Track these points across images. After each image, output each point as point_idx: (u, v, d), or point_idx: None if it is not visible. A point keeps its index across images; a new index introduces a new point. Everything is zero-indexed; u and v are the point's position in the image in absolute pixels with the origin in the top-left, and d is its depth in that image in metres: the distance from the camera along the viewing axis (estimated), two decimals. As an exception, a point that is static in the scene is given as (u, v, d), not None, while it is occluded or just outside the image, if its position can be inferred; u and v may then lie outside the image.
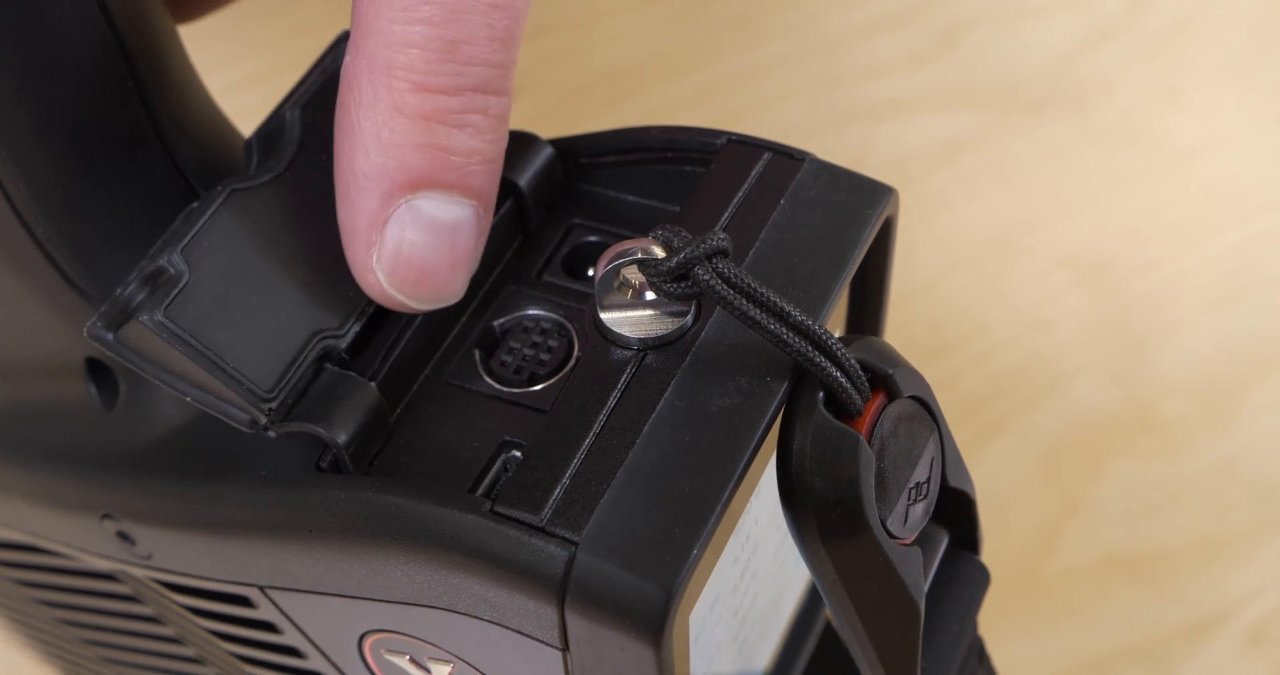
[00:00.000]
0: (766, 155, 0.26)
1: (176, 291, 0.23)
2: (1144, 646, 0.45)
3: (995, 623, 0.43)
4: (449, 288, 0.24)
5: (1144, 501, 0.48)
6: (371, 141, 0.23)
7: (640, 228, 0.27)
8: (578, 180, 0.28)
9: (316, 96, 0.25)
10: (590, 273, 0.27)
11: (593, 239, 0.27)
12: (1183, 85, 0.57)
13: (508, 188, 0.27)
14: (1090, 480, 0.48)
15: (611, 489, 0.22)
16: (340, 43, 0.27)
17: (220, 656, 0.30)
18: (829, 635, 0.34)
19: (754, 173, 0.26)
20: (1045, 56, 0.58)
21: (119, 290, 0.23)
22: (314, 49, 0.27)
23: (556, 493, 0.22)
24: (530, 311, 0.26)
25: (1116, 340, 0.51)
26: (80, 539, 0.29)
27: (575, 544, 0.22)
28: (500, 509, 0.22)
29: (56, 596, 0.34)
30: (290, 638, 0.27)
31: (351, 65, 0.23)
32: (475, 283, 0.26)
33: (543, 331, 0.26)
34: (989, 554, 0.30)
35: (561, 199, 0.28)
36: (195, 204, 0.24)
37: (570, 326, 0.26)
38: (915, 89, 0.58)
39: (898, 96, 0.57)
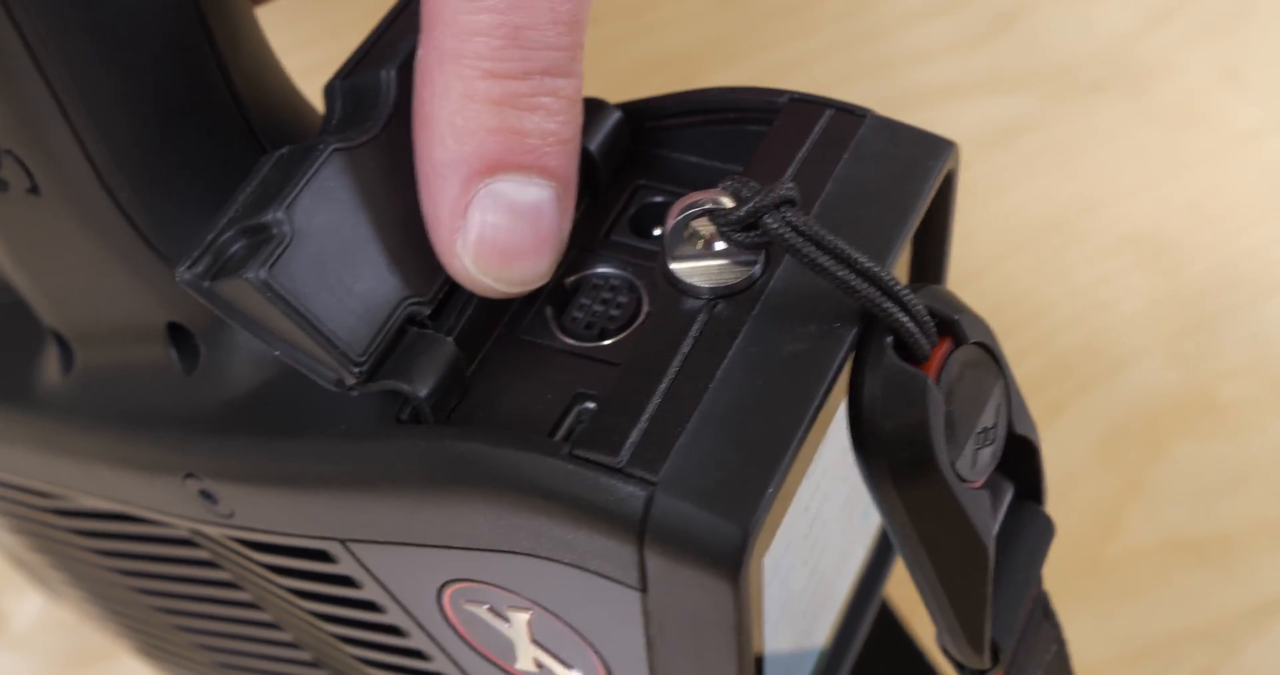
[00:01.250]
0: (828, 112, 0.26)
1: (281, 251, 0.23)
2: (1207, 629, 0.45)
3: (1057, 603, 0.43)
4: (536, 269, 0.25)
5: (1207, 483, 0.48)
6: (447, 130, 0.23)
7: (704, 187, 0.27)
8: (642, 143, 0.28)
9: (412, 58, 0.25)
10: (656, 232, 0.27)
11: (658, 199, 0.28)
12: (1243, 65, 0.57)
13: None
14: (1152, 462, 0.48)
15: (687, 431, 0.23)
16: None
17: (298, 618, 0.31)
18: (883, 620, 0.35)
19: (816, 129, 0.26)
20: (1103, 37, 0.58)
21: (211, 237, 0.24)
22: None
23: (633, 435, 0.23)
24: (599, 269, 0.27)
25: (1178, 321, 0.51)
26: (162, 501, 0.30)
27: (653, 484, 0.22)
28: (579, 451, 0.23)
29: (134, 565, 0.34)
30: (370, 592, 0.28)
31: (423, 57, 0.24)
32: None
33: (612, 288, 0.26)
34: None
35: (627, 161, 0.28)
36: (281, 152, 0.25)
37: (638, 283, 0.26)
38: (970, 72, 0.58)
39: (952, 80, 0.58)
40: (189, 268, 0.24)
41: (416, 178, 0.25)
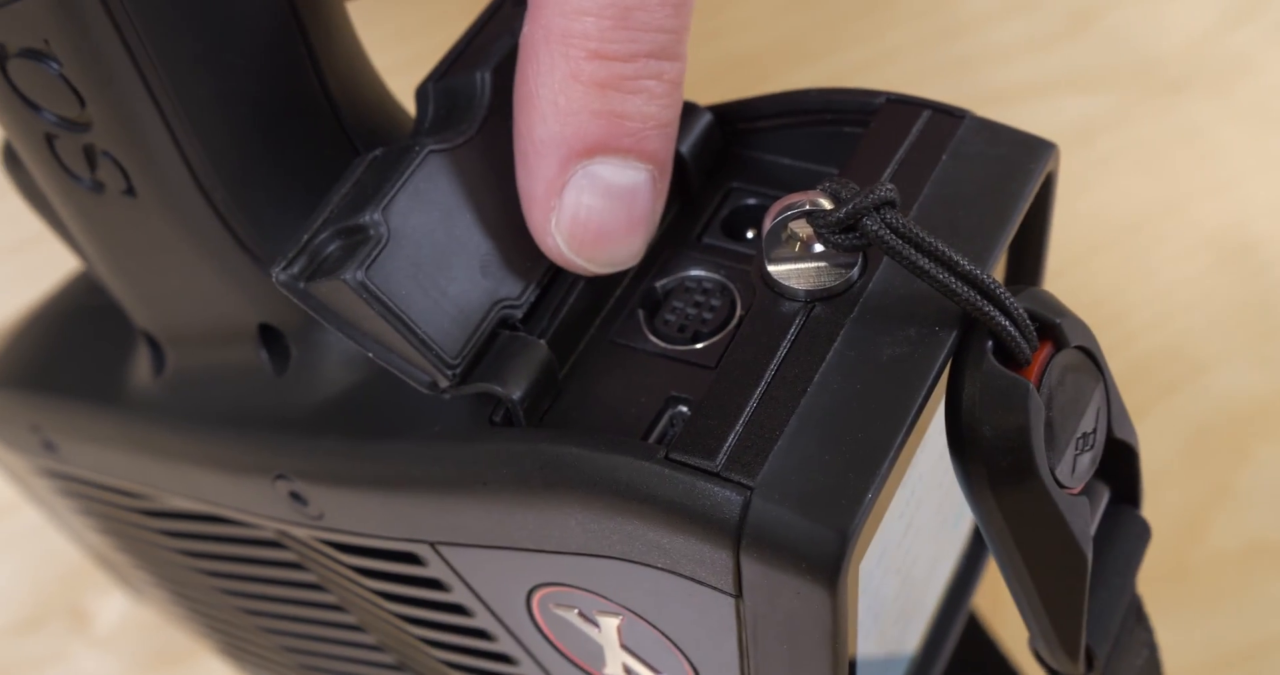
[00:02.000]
0: (926, 113, 0.26)
1: (378, 252, 0.23)
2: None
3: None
4: (627, 251, 0.25)
5: (1292, 488, 0.47)
6: (549, 109, 0.23)
7: (799, 189, 0.27)
8: (735, 145, 0.28)
9: (507, 61, 0.25)
10: (750, 234, 0.27)
11: (752, 201, 0.27)
12: (1325, 64, 0.56)
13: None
14: (1237, 466, 0.48)
15: (785, 435, 0.22)
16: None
17: (384, 620, 0.31)
18: (971, 630, 0.34)
19: (914, 130, 0.26)
20: (1183, 35, 0.58)
21: (307, 237, 0.24)
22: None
23: (730, 439, 0.22)
24: (692, 272, 0.26)
25: (1261, 324, 0.50)
26: (251, 502, 0.30)
27: (750, 488, 0.22)
28: (675, 455, 0.22)
29: (219, 566, 0.35)
30: (458, 595, 0.28)
31: (529, 34, 0.24)
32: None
33: (705, 291, 0.26)
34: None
35: (720, 163, 0.28)
36: (375, 154, 0.25)
37: (731, 286, 0.26)
38: (1049, 71, 0.57)
39: (1031, 79, 0.57)
40: (284, 268, 0.24)
41: (515, 155, 0.25)
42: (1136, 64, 0.57)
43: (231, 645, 0.40)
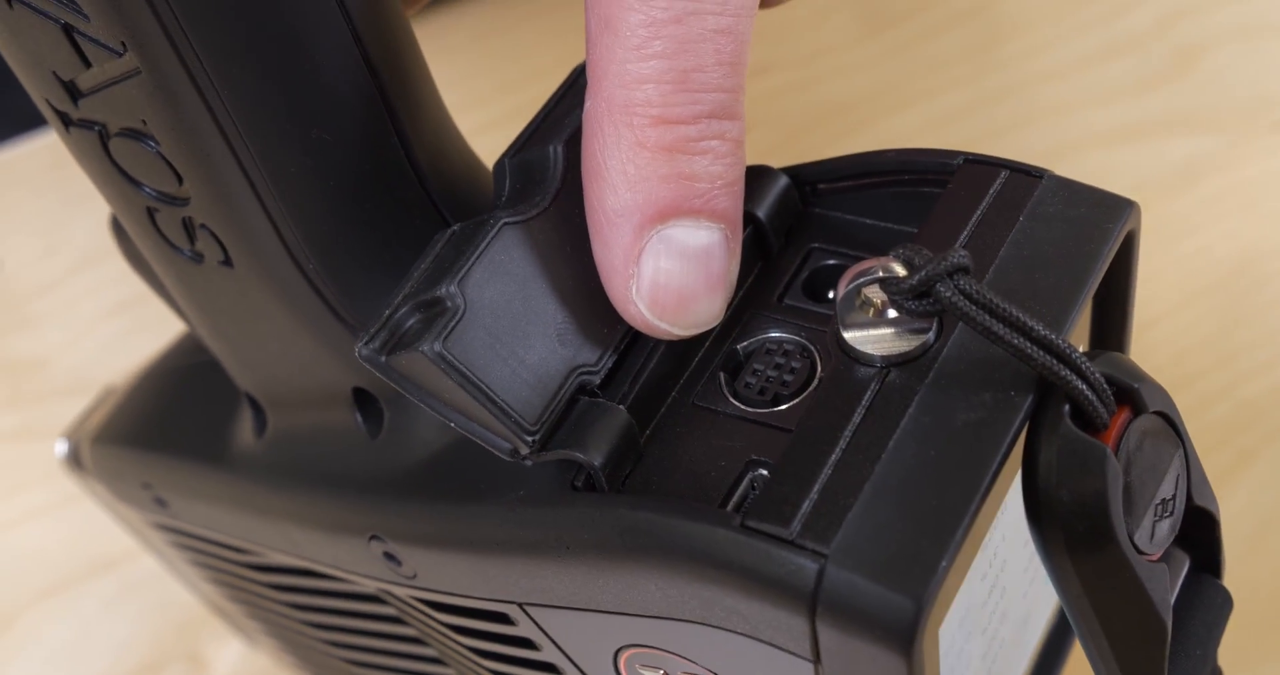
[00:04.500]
0: (1004, 173, 0.26)
1: (454, 323, 0.24)
2: None
3: (1247, 656, 0.41)
4: (708, 312, 0.25)
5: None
6: (619, 179, 0.24)
7: (879, 249, 0.27)
8: (814, 205, 0.28)
9: (578, 133, 0.26)
10: (830, 295, 0.27)
11: (832, 262, 0.28)
12: None
13: (746, 218, 0.27)
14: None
15: (859, 502, 0.22)
16: (581, 73, 0.28)
17: (477, 673, 0.32)
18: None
19: (991, 191, 0.26)
20: (1288, 75, 0.57)
21: (388, 313, 0.25)
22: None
23: (805, 506, 0.23)
24: (773, 334, 0.27)
25: (1371, 365, 0.49)
26: (348, 560, 0.30)
27: (825, 556, 0.22)
28: (750, 523, 0.23)
29: (324, 619, 0.36)
30: (548, 654, 0.28)
31: (592, 108, 0.24)
32: (718, 308, 0.27)
33: (785, 353, 0.26)
34: (1241, 585, 0.29)
35: (799, 224, 0.28)
36: (454, 228, 0.25)
37: (813, 348, 0.26)
38: (1151, 112, 0.57)
39: (1133, 121, 0.56)
40: (366, 343, 0.25)
41: (589, 228, 0.25)
42: (1241, 104, 0.56)
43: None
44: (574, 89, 0.27)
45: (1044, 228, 0.25)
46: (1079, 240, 0.25)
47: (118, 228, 0.32)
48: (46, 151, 0.59)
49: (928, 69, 0.59)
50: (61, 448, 0.40)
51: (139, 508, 0.37)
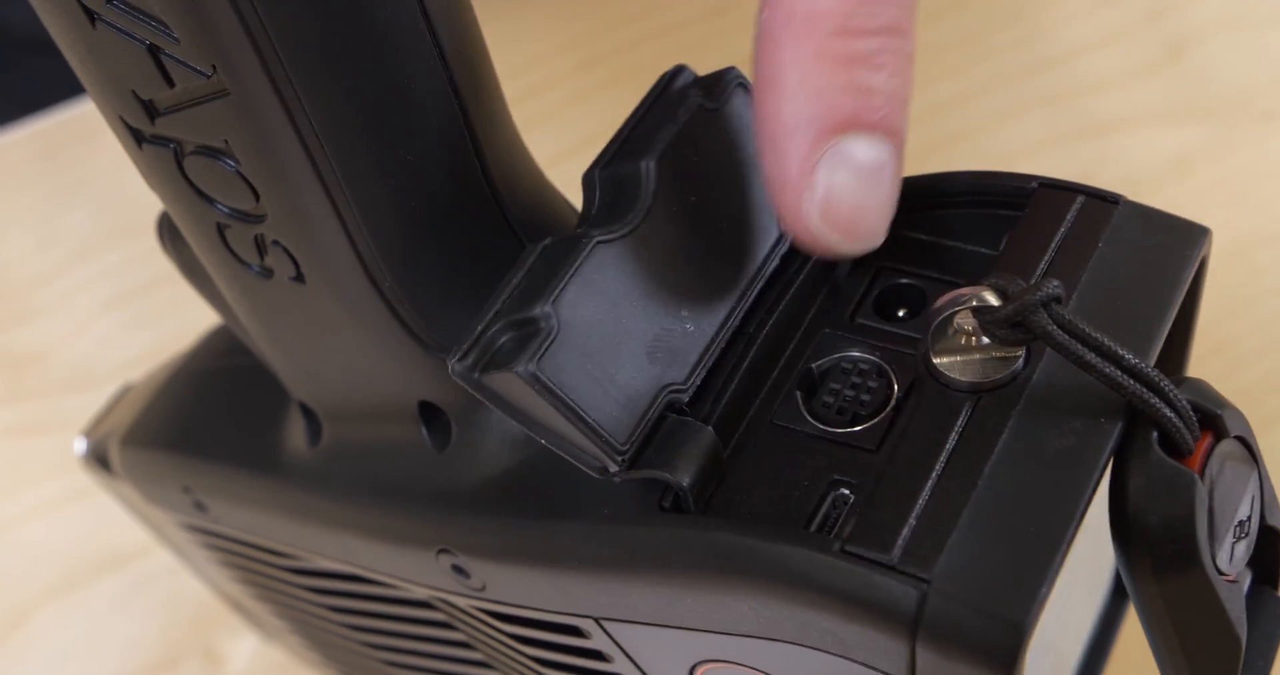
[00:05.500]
0: (1080, 199, 0.26)
1: (548, 344, 0.24)
2: None
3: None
4: (878, 229, 0.25)
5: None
6: (798, 89, 0.24)
7: (947, 269, 0.28)
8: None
9: (672, 149, 0.26)
10: (900, 314, 0.28)
11: (902, 281, 0.28)
12: None
13: None
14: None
15: (958, 529, 0.23)
16: (673, 78, 0.28)
17: (534, 681, 0.32)
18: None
19: (1069, 217, 0.26)
20: (1274, 67, 0.58)
21: (480, 329, 0.25)
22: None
23: (904, 532, 0.23)
24: (849, 353, 0.27)
25: (1362, 353, 0.51)
26: (409, 571, 0.31)
27: (927, 582, 0.23)
28: (851, 548, 0.23)
29: (365, 622, 0.36)
30: (619, 666, 0.29)
31: (769, 20, 0.24)
32: (789, 326, 0.28)
33: (861, 373, 0.27)
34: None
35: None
36: (545, 244, 0.25)
37: (888, 367, 0.27)
38: (1142, 103, 0.57)
39: (1125, 111, 0.57)
40: (459, 360, 0.25)
41: (758, 141, 0.25)
42: (1229, 95, 0.57)
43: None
44: (662, 99, 0.27)
45: (1123, 254, 0.26)
46: (1158, 267, 0.26)
47: (171, 235, 0.31)
48: (35, 141, 0.58)
49: (921, 57, 0.59)
50: (80, 446, 0.40)
51: (173, 510, 0.37)
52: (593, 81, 0.58)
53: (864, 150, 0.24)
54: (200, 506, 0.35)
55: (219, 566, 0.39)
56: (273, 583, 0.37)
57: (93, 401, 0.47)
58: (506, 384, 0.25)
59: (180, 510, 0.36)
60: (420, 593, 0.32)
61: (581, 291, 0.25)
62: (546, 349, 0.24)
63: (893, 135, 0.25)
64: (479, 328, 0.25)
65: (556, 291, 0.25)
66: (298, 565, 0.35)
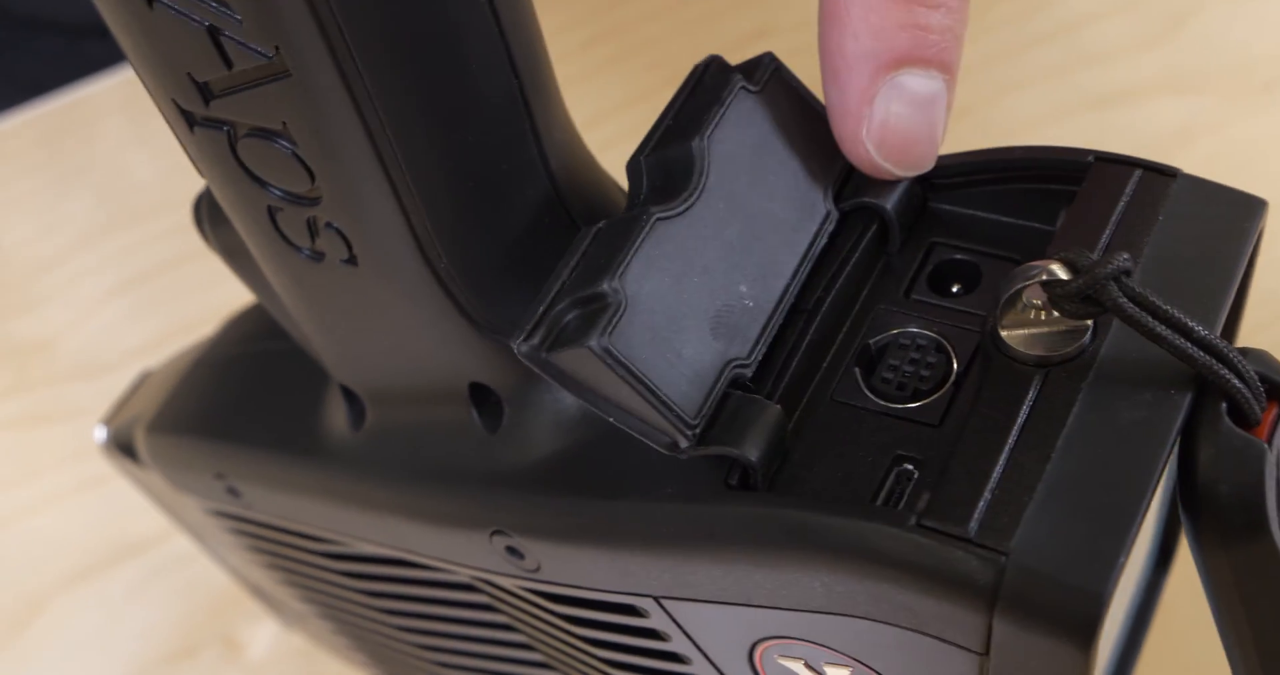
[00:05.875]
0: (1137, 173, 0.27)
1: (618, 319, 0.24)
2: None
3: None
4: (928, 156, 0.27)
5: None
6: (860, 26, 0.25)
7: (1000, 244, 0.28)
8: (935, 200, 0.28)
9: (719, 129, 0.26)
10: (954, 289, 0.28)
11: (957, 257, 0.28)
12: None
13: (872, 212, 0.28)
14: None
15: (1034, 501, 0.23)
16: (708, 67, 0.28)
17: (584, 662, 0.32)
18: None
19: (1127, 191, 0.26)
20: (1275, 37, 0.58)
21: (542, 309, 0.24)
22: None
23: (980, 506, 0.23)
24: (908, 328, 0.27)
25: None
26: (459, 554, 0.30)
27: (1005, 555, 0.23)
28: (927, 522, 0.23)
29: (403, 605, 0.35)
30: (677, 645, 0.29)
31: None
32: (845, 302, 0.28)
33: (919, 348, 0.27)
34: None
35: (920, 219, 0.28)
36: (599, 226, 0.25)
37: (946, 342, 0.27)
38: (1145, 74, 0.58)
39: (1127, 83, 0.57)
40: (525, 340, 0.24)
41: (823, 71, 0.27)
42: (1230, 65, 0.57)
43: (395, 674, 0.40)
44: (700, 87, 0.27)
45: (1183, 228, 0.26)
46: (1219, 240, 0.26)
47: (211, 218, 0.31)
48: (34, 127, 0.57)
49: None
50: (101, 434, 0.40)
51: (202, 497, 0.37)
52: (598, 59, 0.58)
53: (919, 84, 0.26)
54: (234, 492, 0.35)
55: (246, 552, 0.39)
56: (304, 568, 0.37)
57: (100, 389, 0.47)
58: (576, 360, 0.24)
59: (211, 497, 0.36)
60: (464, 575, 0.32)
61: (645, 267, 0.25)
62: (617, 323, 0.24)
63: (946, 69, 0.26)
64: (542, 307, 0.25)
65: (622, 267, 0.25)
66: (334, 550, 0.35)
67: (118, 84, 0.55)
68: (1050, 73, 0.58)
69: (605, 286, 0.24)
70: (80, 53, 0.55)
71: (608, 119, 0.55)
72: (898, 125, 0.26)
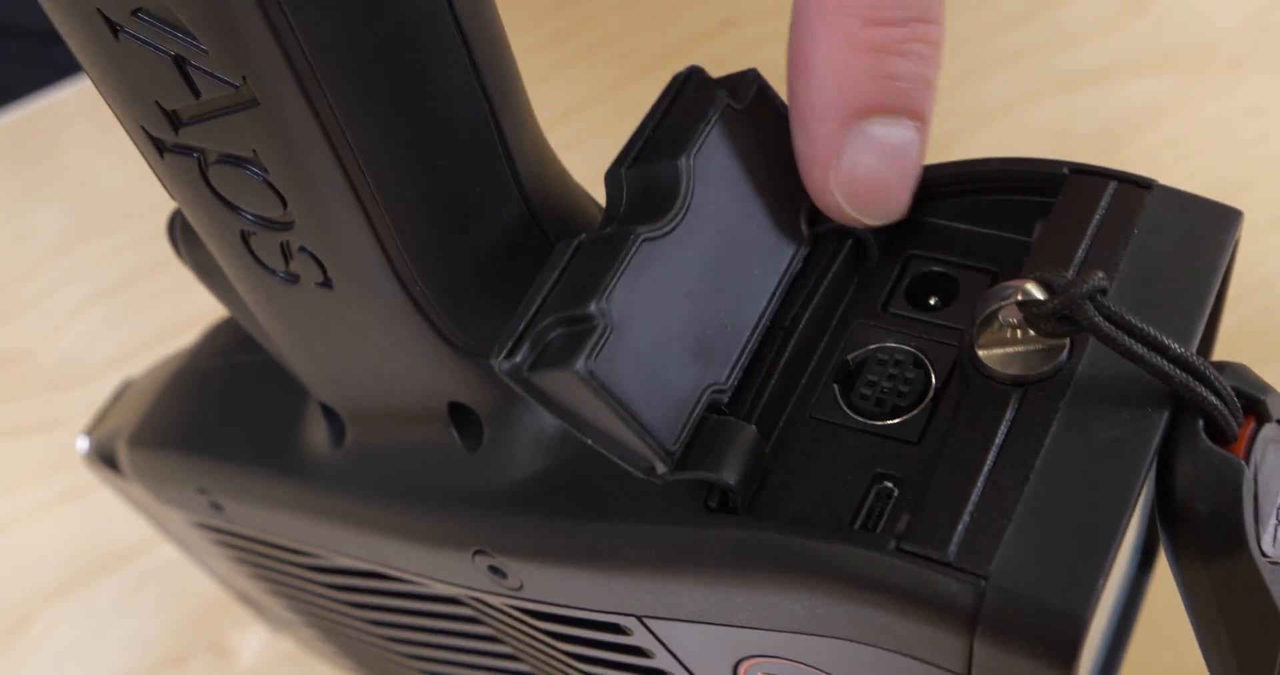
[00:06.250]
0: (1112, 185, 0.27)
1: (603, 342, 0.24)
2: None
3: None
4: (899, 204, 0.27)
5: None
6: (827, 75, 0.25)
7: (977, 256, 0.28)
8: (910, 212, 0.28)
9: (706, 148, 0.26)
10: (932, 302, 0.28)
11: (934, 269, 0.28)
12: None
13: (847, 232, 0.28)
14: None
15: (1013, 523, 0.23)
16: (688, 79, 0.27)
17: (564, 673, 0.32)
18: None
19: (1102, 204, 0.26)
20: (1237, 14, 0.58)
21: (522, 327, 0.24)
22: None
23: (959, 529, 0.23)
24: (886, 343, 0.27)
25: (1337, 298, 0.51)
26: (441, 572, 0.30)
27: (985, 578, 0.23)
28: (907, 546, 0.23)
29: (387, 617, 0.36)
30: (660, 661, 0.29)
31: (804, 6, 0.25)
32: (823, 318, 0.28)
33: (898, 363, 0.27)
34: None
35: (897, 232, 0.28)
36: (580, 240, 0.25)
37: (924, 357, 0.27)
38: (1110, 55, 0.58)
39: (1094, 64, 0.57)
40: (505, 357, 0.24)
41: (791, 120, 0.26)
42: (1194, 44, 0.58)
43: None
44: (680, 99, 0.27)
45: (1159, 241, 0.26)
46: (1195, 253, 0.26)
47: (185, 237, 0.31)
48: (1, 135, 0.57)
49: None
50: (83, 445, 0.40)
51: (186, 510, 0.37)
52: (560, 55, 0.57)
53: (887, 132, 0.26)
54: (216, 507, 0.35)
55: (231, 563, 0.39)
56: (289, 580, 0.37)
57: (79, 399, 0.47)
58: (559, 383, 0.24)
59: (194, 510, 0.36)
60: (448, 590, 0.32)
61: (630, 289, 0.25)
62: (602, 347, 0.24)
63: (917, 117, 0.26)
64: (522, 324, 0.24)
65: (608, 289, 0.24)
66: (318, 563, 0.35)
67: (85, 89, 0.54)
68: (1018, 55, 0.58)
69: (592, 308, 0.24)
70: (49, 60, 0.55)
71: (572, 117, 0.54)
72: (866, 175, 0.26)
